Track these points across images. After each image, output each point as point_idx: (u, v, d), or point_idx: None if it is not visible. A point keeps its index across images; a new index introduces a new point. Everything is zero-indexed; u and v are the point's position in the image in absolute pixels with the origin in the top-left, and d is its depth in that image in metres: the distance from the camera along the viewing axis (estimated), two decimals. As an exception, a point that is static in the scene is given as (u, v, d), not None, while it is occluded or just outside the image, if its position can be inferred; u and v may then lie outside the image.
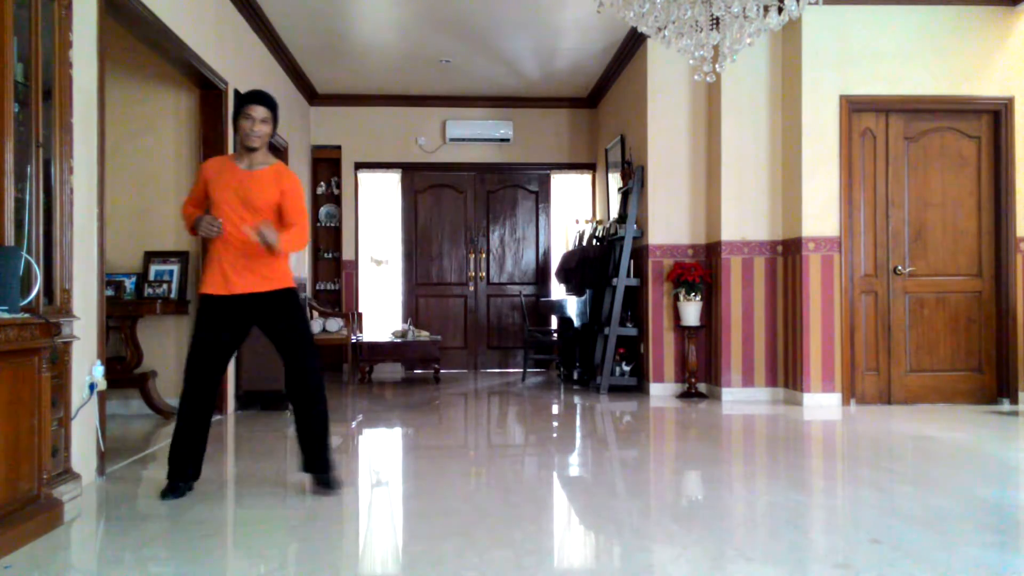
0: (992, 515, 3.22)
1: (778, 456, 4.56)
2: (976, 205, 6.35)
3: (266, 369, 6.01)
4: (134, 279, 5.71)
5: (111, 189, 4.94)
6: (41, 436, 2.93)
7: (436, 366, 8.20)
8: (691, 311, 6.65)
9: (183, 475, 3.52)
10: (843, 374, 6.16)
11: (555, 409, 6.36)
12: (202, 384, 3.50)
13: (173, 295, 5.68)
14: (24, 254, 2.99)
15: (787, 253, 6.46)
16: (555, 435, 5.32)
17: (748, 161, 6.56)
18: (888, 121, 6.35)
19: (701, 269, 6.64)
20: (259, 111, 3.50)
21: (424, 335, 8.25)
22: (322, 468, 3.58)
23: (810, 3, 4.25)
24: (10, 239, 2.92)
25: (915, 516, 3.15)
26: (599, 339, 7.27)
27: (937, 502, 3.36)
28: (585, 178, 9.43)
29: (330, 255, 9.18)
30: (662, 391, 6.88)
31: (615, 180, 8.00)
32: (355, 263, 9.16)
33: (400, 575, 2.61)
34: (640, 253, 7.13)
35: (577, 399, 6.83)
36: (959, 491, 3.58)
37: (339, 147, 9.09)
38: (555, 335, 8.45)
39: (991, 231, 6.33)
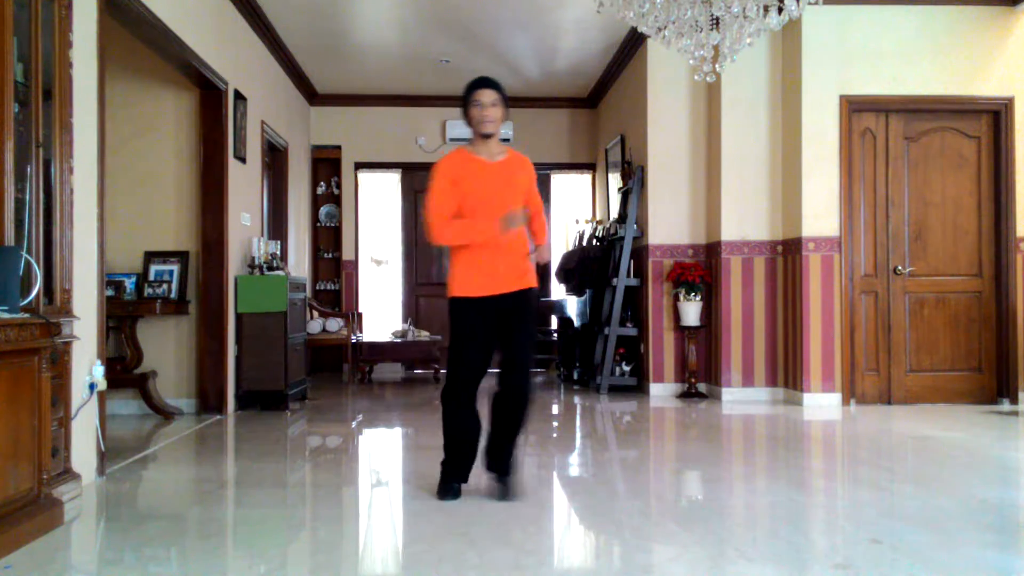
0: (992, 515, 3.22)
1: (778, 456, 4.56)
2: (976, 205, 6.35)
3: (266, 369, 6.02)
4: (134, 279, 5.71)
5: (111, 189, 4.94)
6: (41, 436, 2.93)
7: (436, 366, 8.19)
8: (691, 311, 6.65)
9: (463, 476, 3.43)
10: (843, 374, 6.16)
11: (555, 409, 6.36)
12: (476, 389, 3.37)
13: (173, 295, 5.67)
14: (24, 254, 2.99)
15: (787, 253, 6.46)
16: (555, 435, 5.33)
17: (748, 161, 6.56)
18: (888, 121, 6.35)
19: (701, 269, 6.64)
20: (487, 95, 3.32)
21: (424, 335, 8.25)
22: (506, 470, 3.43)
23: (810, 3, 4.25)
24: (10, 239, 2.92)
25: (915, 516, 3.15)
26: (599, 339, 7.27)
27: (937, 502, 3.35)
28: (585, 178, 9.43)
29: (330, 255, 9.18)
30: (662, 391, 6.88)
31: (615, 180, 8.00)
32: (355, 263, 9.16)
33: (400, 575, 2.61)
34: (640, 253, 7.13)
35: (577, 399, 6.83)
36: (959, 491, 3.58)
37: (339, 147, 9.09)
38: (555, 335, 8.44)
39: (991, 231, 6.33)
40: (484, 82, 3.37)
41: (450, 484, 3.42)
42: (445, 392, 3.43)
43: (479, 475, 3.95)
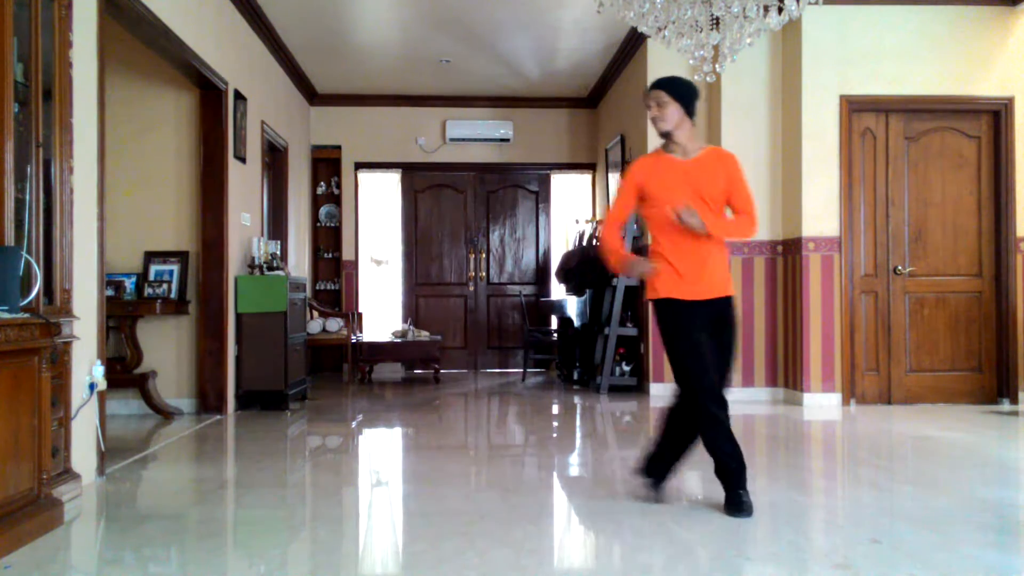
0: (992, 515, 3.22)
1: (778, 456, 4.56)
2: (976, 205, 6.35)
3: (266, 369, 6.02)
4: (134, 279, 5.71)
5: (111, 189, 4.94)
6: (41, 436, 2.93)
7: (436, 366, 8.19)
8: (691, 311, 6.64)
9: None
10: (843, 374, 6.16)
11: (555, 409, 6.36)
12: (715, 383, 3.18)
13: (173, 295, 5.67)
14: (24, 254, 2.99)
15: (787, 253, 6.46)
16: (555, 435, 5.32)
17: (748, 161, 6.53)
18: (888, 121, 6.35)
19: (701, 269, 6.63)
20: (656, 95, 3.24)
21: (424, 335, 8.25)
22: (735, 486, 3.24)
23: (810, 3, 4.25)
24: (10, 239, 2.92)
25: (915, 516, 3.15)
26: (599, 339, 7.27)
27: (937, 502, 3.35)
28: (585, 178, 9.43)
29: (330, 255, 9.18)
30: (662, 391, 6.87)
31: (615, 180, 7.99)
32: (355, 263, 9.16)
33: (400, 575, 2.61)
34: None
35: (577, 399, 6.82)
36: (959, 491, 3.58)
37: (339, 147, 9.09)
38: (555, 335, 8.45)
39: (991, 231, 6.33)
40: (657, 83, 3.30)
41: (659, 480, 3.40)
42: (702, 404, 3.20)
43: (482, 478, 3.96)
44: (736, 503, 3.18)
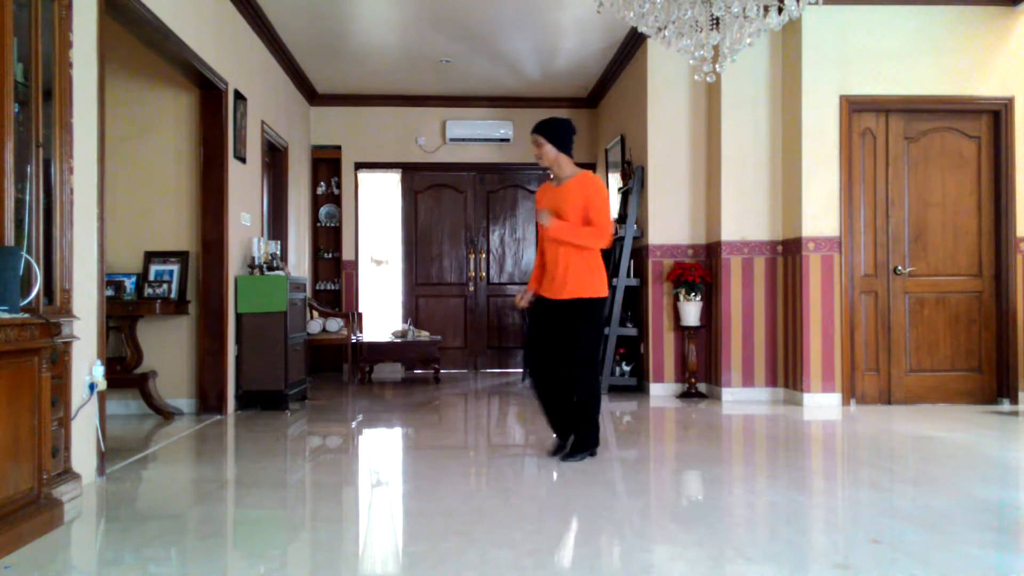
0: (992, 515, 3.22)
1: (778, 456, 4.56)
2: (976, 205, 6.35)
3: (266, 369, 6.02)
4: (134, 279, 5.71)
5: (111, 189, 4.94)
6: (41, 436, 2.93)
7: (436, 366, 8.19)
8: (691, 311, 6.65)
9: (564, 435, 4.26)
10: (843, 374, 6.16)
11: (555, 409, 6.35)
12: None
13: (173, 295, 5.67)
14: (24, 254, 2.99)
15: (787, 253, 6.46)
16: (555, 435, 5.31)
17: (748, 161, 6.56)
18: (888, 121, 6.35)
19: (701, 269, 6.64)
20: (535, 138, 4.10)
21: (424, 335, 8.25)
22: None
23: (810, 3, 4.25)
24: (10, 239, 2.92)
25: (915, 516, 3.15)
26: (599, 339, 7.26)
27: (937, 502, 3.36)
28: (585, 178, 9.41)
29: (330, 255, 9.18)
30: (662, 391, 6.88)
31: (615, 180, 8.00)
32: (355, 263, 9.16)
33: (400, 575, 2.61)
34: (640, 253, 7.13)
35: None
36: (959, 491, 3.58)
37: (339, 147, 9.09)
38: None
39: (991, 231, 6.33)
40: (534, 128, 4.15)
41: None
42: (596, 385, 4.14)
43: (482, 478, 3.96)
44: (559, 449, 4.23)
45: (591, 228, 4.00)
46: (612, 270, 7.21)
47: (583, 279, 4.00)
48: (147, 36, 4.70)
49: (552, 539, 3.01)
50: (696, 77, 4.50)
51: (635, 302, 7.21)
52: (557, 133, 4.04)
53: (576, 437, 4.15)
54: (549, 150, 4.06)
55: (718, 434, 5.22)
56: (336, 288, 9.10)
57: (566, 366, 4.06)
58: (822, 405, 6.11)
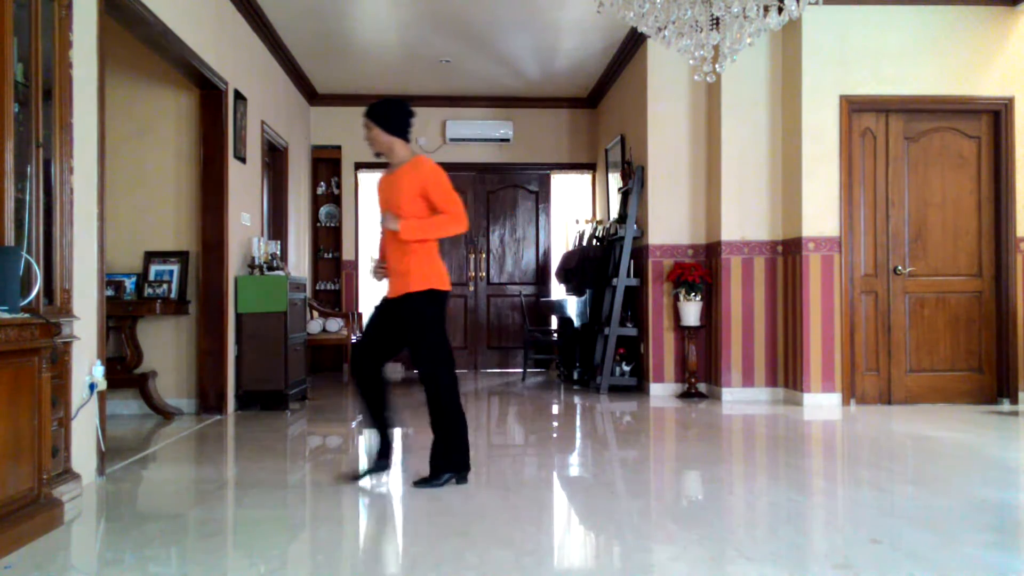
0: (992, 515, 3.22)
1: (778, 456, 4.56)
2: (976, 205, 6.35)
3: (266, 369, 6.02)
4: (134, 279, 5.71)
5: (111, 189, 4.94)
6: (41, 436, 2.93)
7: (436, 366, 8.17)
8: (691, 311, 6.65)
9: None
10: (843, 374, 6.16)
11: (555, 409, 6.36)
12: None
13: (173, 295, 5.67)
14: (24, 254, 2.99)
15: (787, 253, 6.46)
16: (555, 435, 5.32)
17: (748, 161, 6.56)
18: (888, 121, 6.35)
19: (701, 269, 6.64)
20: (365, 122, 3.74)
21: (424, 335, 8.23)
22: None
23: (810, 3, 4.25)
24: (10, 239, 2.92)
25: (915, 516, 3.15)
26: (599, 339, 7.27)
27: (937, 502, 3.36)
28: (585, 178, 9.43)
29: (330, 255, 9.18)
30: (662, 391, 6.88)
31: (615, 180, 8.00)
32: (355, 263, 9.16)
33: (400, 575, 2.61)
34: (640, 253, 7.13)
35: (577, 399, 6.82)
36: (959, 491, 3.58)
37: (339, 147, 9.09)
38: (555, 335, 8.45)
39: (991, 231, 6.33)
40: (364, 112, 3.79)
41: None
42: (453, 386, 3.69)
43: (482, 478, 3.96)
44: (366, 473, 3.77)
45: (442, 216, 3.60)
46: (612, 270, 7.22)
47: (425, 273, 3.63)
48: (147, 36, 4.70)
49: (552, 539, 3.01)
50: (696, 77, 4.50)
51: (635, 302, 7.21)
52: (388, 116, 3.73)
53: (434, 456, 3.65)
54: (379, 135, 3.72)
55: (718, 434, 5.22)
56: (336, 288, 9.10)
57: (416, 368, 3.73)
58: (822, 405, 6.11)
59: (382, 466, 3.77)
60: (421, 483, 3.60)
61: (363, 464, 3.86)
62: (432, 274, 3.64)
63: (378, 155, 3.81)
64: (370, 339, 3.75)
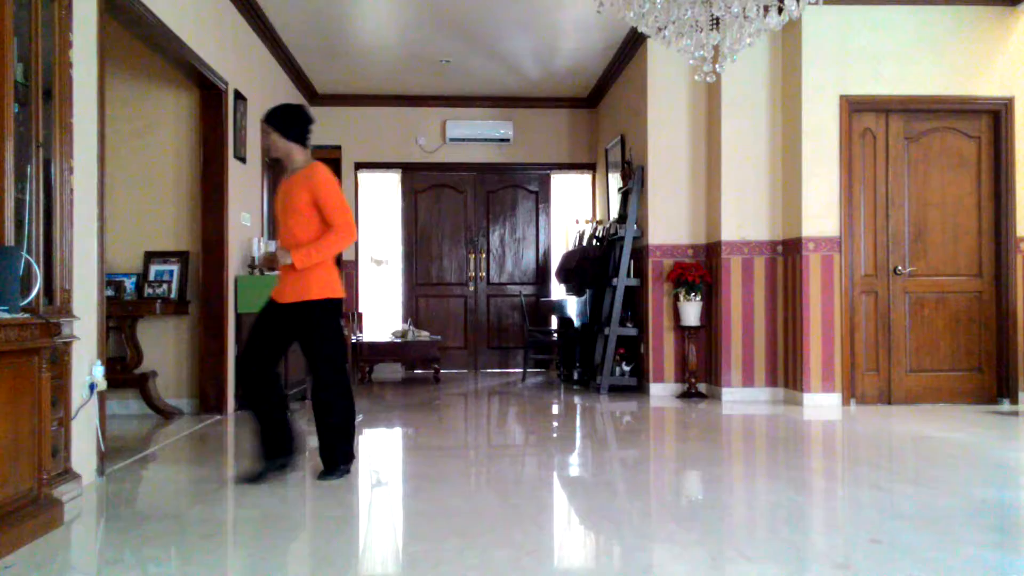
0: (992, 515, 3.22)
1: (778, 456, 4.56)
2: (976, 205, 6.35)
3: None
4: (134, 279, 5.71)
5: (111, 189, 4.94)
6: (41, 436, 2.93)
7: (436, 366, 8.19)
8: (691, 311, 6.65)
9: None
10: (843, 374, 6.16)
11: (555, 409, 6.36)
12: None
13: (173, 295, 5.67)
14: (24, 254, 2.99)
15: (787, 253, 6.46)
16: (555, 435, 5.33)
17: (748, 161, 6.56)
18: (888, 121, 6.35)
19: (701, 269, 6.64)
20: (263, 127, 3.82)
21: (424, 335, 8.25)
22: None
23: (810, 3, 4.25)
24: (10, 239, 2.92)
25: (915, 516, 3.15)
26: (599, 339, 7.27)
27: (937, 502, 3.36)
28: (585, 178, 9.43)
29: (330, 255, 9.16)
30: (662, 391, 6.88)
31: (615, 180, 7.99)
32: (355, 263, 9.16)
33: (400, 575, 2.61)
34: (640, 253, 7.13)
35: (577, 399, 6.82)
36: (959, 491, 3.58)
37: (339, 147, 9.09)
38: (555, 335, 8.45)
39: (991, 231, 6.33)
40: (263, 117, 3.86)
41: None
42: (345, 384, 3.76)
43: (482, 478, 3.96)
44: (257, 476, 3.70)
45: (332, 235, 3.61)
46: (612, 270, 7.22)
47: (324, 280, 3.65)
48: (147, 36, 4.70)
49: (552, 539, 3.01)
50: (696, 77, 4.50)
51: (635, 302, 7.21)
52: (286, 121, 3.76)
53: (328, 450, 3.78)
54: (277, 140, 3.75)
55: (718, 434, 5.22)
56: (336, 288, 9.08)
57: (311, 373, 3.78)
58: (822, 405, 6.11)
59: (281, 465, 3.77)
60: (324, 475, 3.76)
61: (260, 465, 3.75)
62: (331, 281, 3.70)
63: (276, 160, 3.86)
64: (259, 343, 3.72)
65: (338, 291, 3.73)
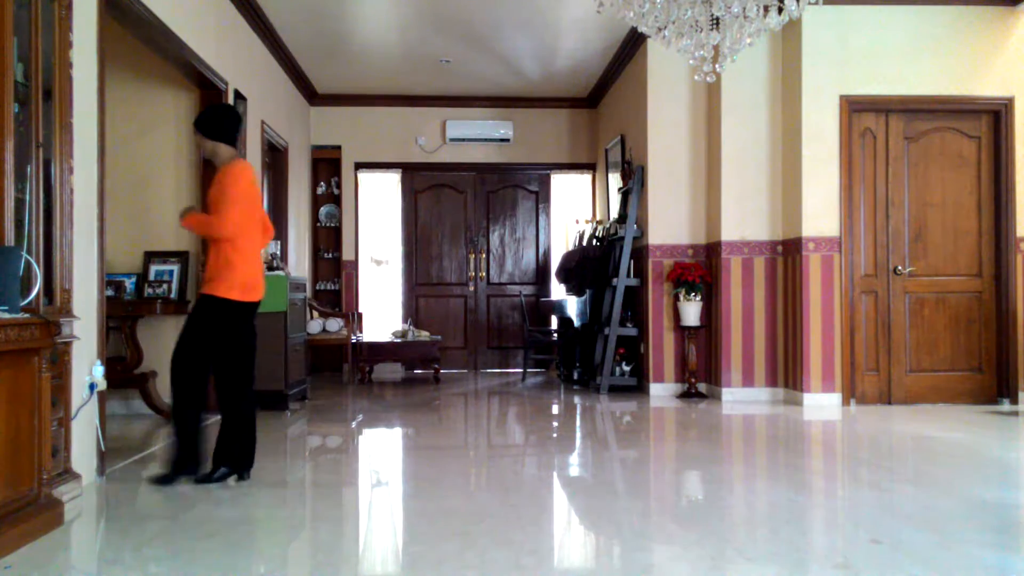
0: (992, 515, 3.22)
1: (778, 456, 4.56)
2: (976, 205, 6.35)
3: (266, 369, 6.00)
4: (134, 279, 5.71)
5: (111, 189, 4.93)
6: (41, 436, 2.93)
7: (436, 366, 8.19)
8: (691, 311, 6.65)
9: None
10: (843, 374, 6.16)
11: (555, 409, 6.36)
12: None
13: (173, 295, 5.67)
14: (24, 254, 2.99)
15: (787, 253, 6.46)
16: (555, 435, 5.33)
17: (748, 161, 6.56)
18: (888, 121, 6.35)
19: (701, 269, 6.64)
20: (195, 131, 3.92)
21: (424, 335, 8.25)
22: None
23: (810, 3, 4.24)
24: (10, 239, 2.92)
25: (915, 516, 3.15)
26: (599, 339, 7.27)
27: (937, 502, 3.36)
28: (585, 178, 9.43)
29: (330, 255, 9.18)
30: (662, 391, 6.88)
31: (615, 180, 8.00)
32: (355, 263, 9.16)
33: (400, 575, 2.61)
34: (640, 253, 7.13)
35: (577, 399, 6.82)
36: (959, 491, 3.58)
37: (339, 147, 9.09)
38: (555, 335, 8.45)
39: (991, 231, 6.33)
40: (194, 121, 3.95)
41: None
42: (250, 389, 3.86)
43: (482, 478, 3.96)
44: (164, 480, 3.70)
45: (210, 217, 3.73)
46: (612, 270, 7.22)
47: (228, 280, 3.70)
48: (147, 36, 4.70)
49: (552, 539, 3.01)
50: (696, 77, 4.50)
51: (635, 302, 7.21)
52: (208, 122, 3.87)
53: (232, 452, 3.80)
54: (202, 140, 3.88)
55: (718, 434, 5.22)
56: (336, 288, 9.10)
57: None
58: (822, 405, 6.11)
59: (190, 469, 3.74)
60: (202, 479, 3.72)
61: (170, 466, 3.74)
62: (240, 284, 3.72)
63: (207, 159, 4.04)
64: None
65: (247, 295, 3.74)
